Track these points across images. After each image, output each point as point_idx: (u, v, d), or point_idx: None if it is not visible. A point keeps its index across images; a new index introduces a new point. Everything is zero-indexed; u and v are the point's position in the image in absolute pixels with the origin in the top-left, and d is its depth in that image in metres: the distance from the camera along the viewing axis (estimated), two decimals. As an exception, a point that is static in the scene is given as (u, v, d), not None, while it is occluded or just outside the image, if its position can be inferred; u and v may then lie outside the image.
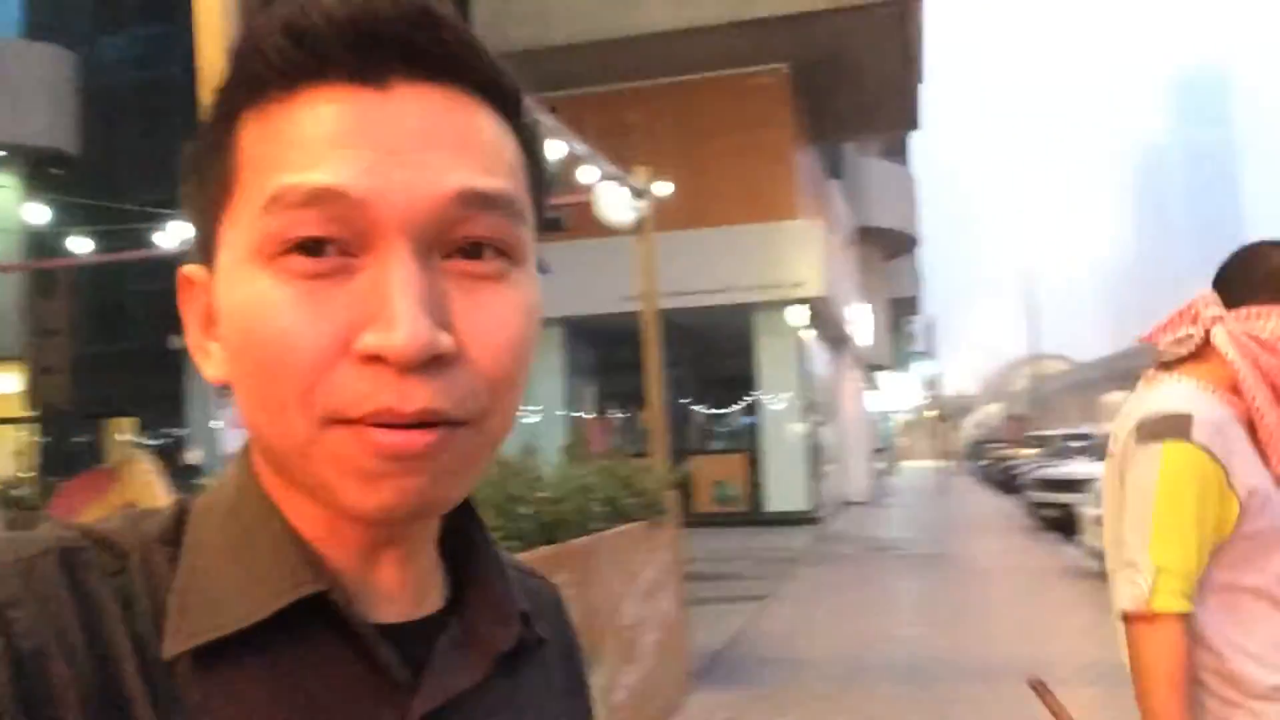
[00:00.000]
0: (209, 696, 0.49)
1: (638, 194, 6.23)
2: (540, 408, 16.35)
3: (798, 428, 15.96)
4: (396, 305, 0.47)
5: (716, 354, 18.44)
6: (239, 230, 0.50)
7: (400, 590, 0.56)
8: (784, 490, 15.70)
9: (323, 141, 0.48)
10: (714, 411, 18.27)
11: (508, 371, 0.51)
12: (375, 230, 0.48)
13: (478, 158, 0.51)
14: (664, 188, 6.49)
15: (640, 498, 5.27)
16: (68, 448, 17.52)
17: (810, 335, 17.15)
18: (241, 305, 0.49)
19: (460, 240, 0.50)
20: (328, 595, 0.50)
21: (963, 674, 6.41)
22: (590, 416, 17.18)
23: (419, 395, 0.47)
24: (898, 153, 35.22)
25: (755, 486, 16.11)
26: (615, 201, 6.05)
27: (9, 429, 18.70)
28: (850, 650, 7.24)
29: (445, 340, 0.47)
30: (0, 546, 0.49)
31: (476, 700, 0.56)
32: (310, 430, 0.48)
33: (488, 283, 0.51)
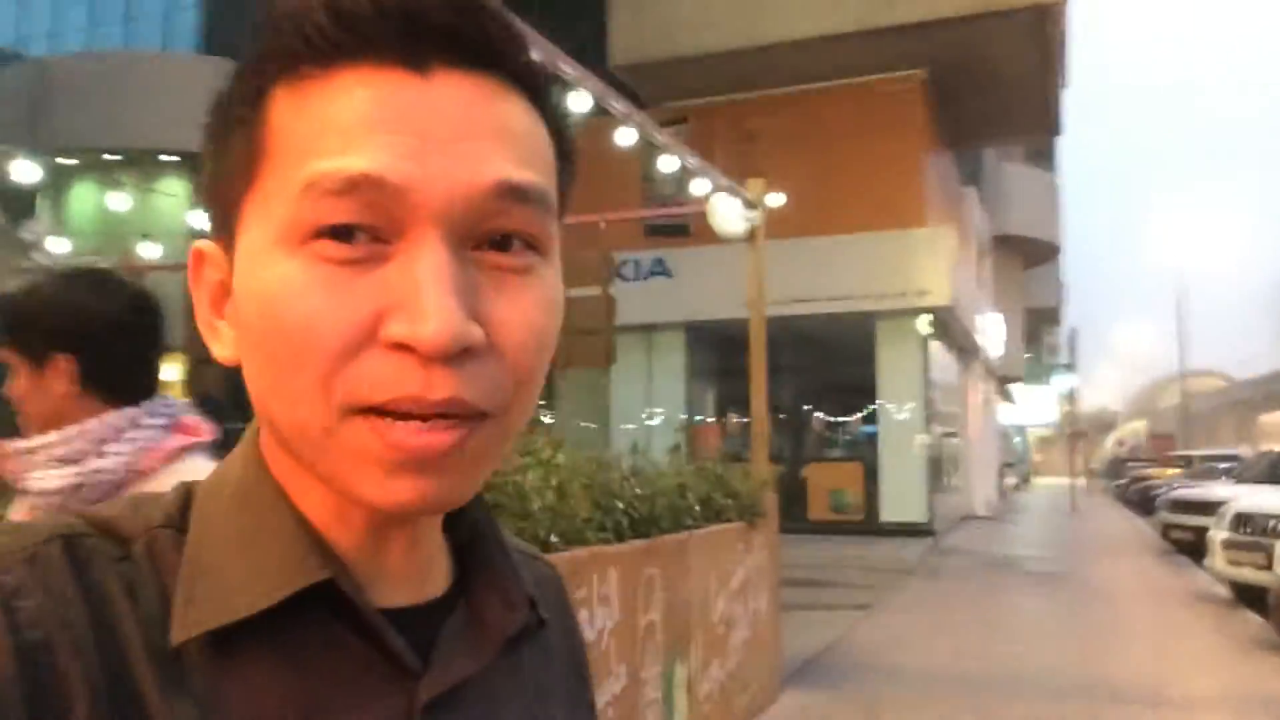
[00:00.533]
0: (217, 682, 0.49)
1: (750, 205, 6.42)
2: (661, 410, 16.66)
3: (918, 438, 15.80)
4: (427, 295, 0.46)
5: (838, 361, 18.38)
6: (266, 211, 0.49)
7: (406, 573, 0.56)
8: (901, 501, 15.57)
9: (361, 125, 0.48)
10: (833, 419, 18.23)
11: (531, 365, 0.51)
12: (410, 218, 0.48)
13: (514, 149, 0.50)
14: (776, 198, 6.66)
15: (735, 499, 5.46)
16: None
17: (935, 344, 16.94)
18: (266, 288, 0.49)
19: (491, 231, 0.50)
20: (336, 582, 0.51)
21: (1058, 692, 6.37)
22: (706, 420, 17.39)
23: (446, 384, 0.47)
24: (1044, 157, 34.21)
25: (872, 496, 16.03)
26: (728, 212, 6.26)
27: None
28: (947, 662, 7.25)
29: (476, 333, 0.47)
30: (3, 536, 0.49)
31: (481, 682, 0.56)
32: (329, 419, 0.48)
33: (516, 275, 0.51)
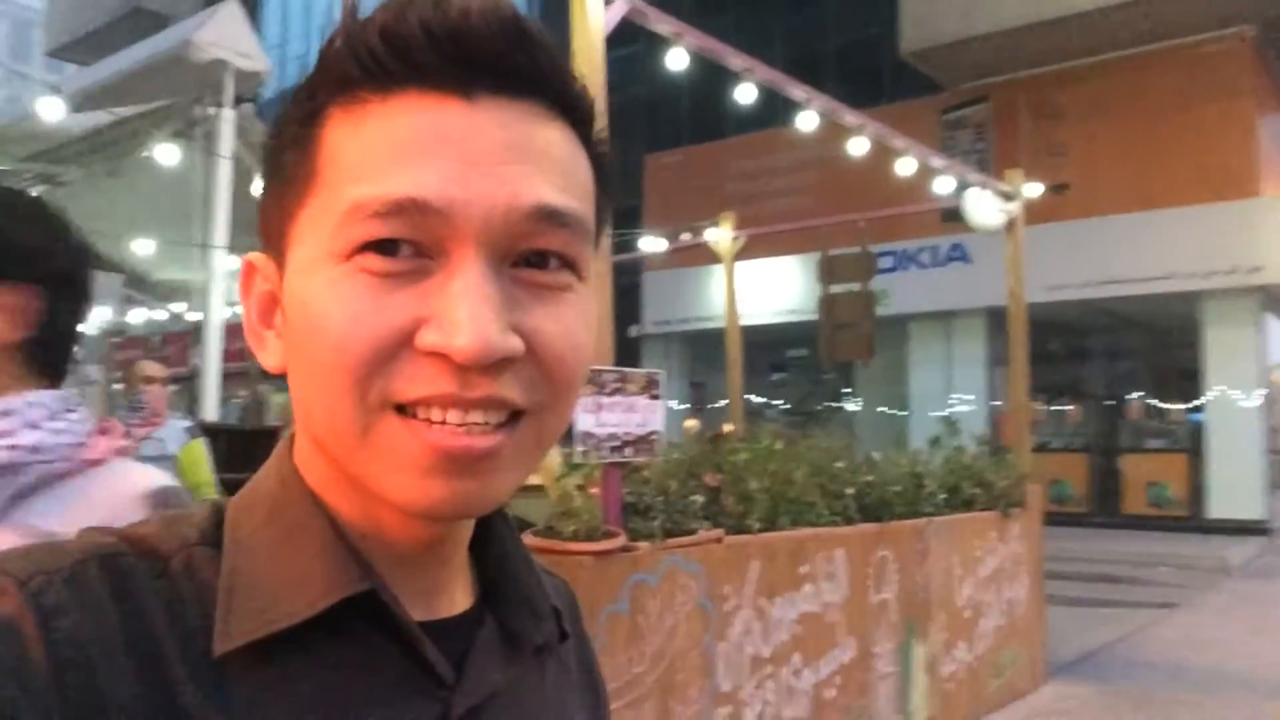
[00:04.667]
0: (258, 692, 0.49)
1: (1007, 197, 6.44)
2: (968, 396, 16.36)
3: (1255, 427, 14.43)
4: (463, 308, 0.48)
5: (1159, 345, 17.12)
6: (316, 226, 0.51)
7: (437, 586, 0.57)
8: (1232, 496, 14.28)
9: (407, 149, 0.49)
10: (1154, 406, 16.99)
11: (570, 374, 0.52)
12: (451, 237, 0.49)
13: (555, 174, 0.51)
14: (1034, 188, 6.62)
15: (986, 489, 5.58)
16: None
17: (1277, 324, 15.36)
18: (312, 296, 0.50)
19: (528, 251, 0.51)
20: (375, 593, 0.52)
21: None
22: (1009, 407, 16.85)
23: (482, 385, 0.49)
24: None
25: (1197, 490, 14.82)
26: (982, 206, 6.33)
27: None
28: (1247, 665, 6.81)
29: (515, 342, 0.49)
30: (40, 554, 0.49)
31: (509, 693, 0.58)
32: (366, 416, 0.49)
33: (555, 292, 0.52)
